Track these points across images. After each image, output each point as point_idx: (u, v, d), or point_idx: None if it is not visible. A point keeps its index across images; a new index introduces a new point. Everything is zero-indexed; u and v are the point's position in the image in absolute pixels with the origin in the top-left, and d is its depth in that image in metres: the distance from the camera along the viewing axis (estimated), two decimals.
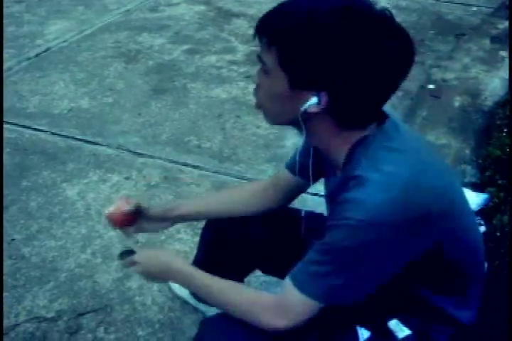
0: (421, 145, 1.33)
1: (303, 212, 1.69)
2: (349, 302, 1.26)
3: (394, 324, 1.40)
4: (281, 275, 1.92)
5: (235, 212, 1.78)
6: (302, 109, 1.20)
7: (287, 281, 1.29)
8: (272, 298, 1.33)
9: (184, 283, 1.55)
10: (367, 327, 1.42)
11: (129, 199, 1.75)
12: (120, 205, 1.73)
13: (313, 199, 2.64)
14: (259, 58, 1.24)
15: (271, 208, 1.76)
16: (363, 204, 1.15)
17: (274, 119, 1.35)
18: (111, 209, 1.74)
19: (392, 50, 1.15)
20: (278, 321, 1.30)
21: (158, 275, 1.59)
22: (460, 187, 1.40)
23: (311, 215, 1.72)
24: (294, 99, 1.21)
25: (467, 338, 1.46)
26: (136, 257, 1.61)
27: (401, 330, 1.39)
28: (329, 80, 1.16)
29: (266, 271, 1.98)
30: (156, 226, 1.81)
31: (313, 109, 1.20)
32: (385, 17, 1.16)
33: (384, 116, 1.27)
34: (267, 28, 1.20)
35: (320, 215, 1.73)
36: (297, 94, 1.20)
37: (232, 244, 1.78)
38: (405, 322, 1.40)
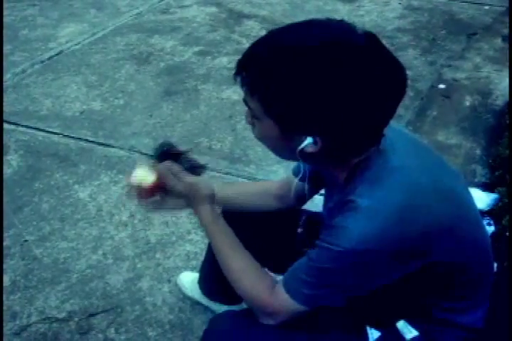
0: (421, 159, 1.30)
1: (303, 217, 1.69)
2: (334, 305, 1.30)
3: (402, 325, 1.41)
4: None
5: (248, 206, 1.78)
6: (299, 148, 1.19)
7: (280, 284, 1.32)
8: (271, 298, 1.34)
9: (208, 236, 1.50)
10: (376, 328, 1.42)
11: (151, 169, 1.53)
12: (144, 174, 1.51)
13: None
14: (245, 103, 1.22)
15: (282, 208, 1.77)
16: (348, 232, 1.16)
17: (278, 155, 1.33)
18: (135, 179, 1.51)
19: (383, 82, 1.12)
20: (267, 320, 1.36)
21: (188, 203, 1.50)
22: (466, 193, 1.37)
23: (312, 215, 1.72)
24: (289, 141, 1.20)
25: (477, 339, 1.45)
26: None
27: (409, 331, 1.40)
28: (319, 125, 1.14)
29: (274, 271, 1.99)
30: (174, 202, 1.58)
31: (310, 149, 1.19)
32: (371, 47, 1.11)
33: (379, 139, 1.24)
34: (245, 74, 1.17)
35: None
36: (290, 137, 1.19)
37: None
38: (413, 324, 1.41)
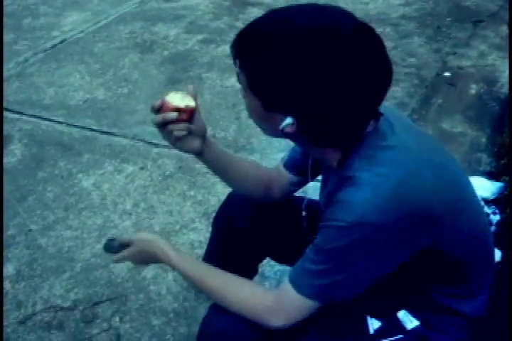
0: (419, 142, 1.30)
1: (305, 201, 1.67)
2: (345, 299, 1.27)
3: (402, 314, 1.40)
4: (293, 264, 1.92)
5: (240, 187, 1.76)
6: (280, 128, 1.21)
7: (285, 280, 1.30)
8: (270, 297, 1.33)
9: (181, 273, 1.51)
10: (377, 318, 1.42)
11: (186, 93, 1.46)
12: (182, 97, 1.43)
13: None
14: (238, 77, 1.25)
15: (271, 199, 1.75)
16: (351, 205, 1.16)
17: (263, 131, 1.34)
18: (172, 101, 1.42)
19: (363, 71, 1.13)
20: (276, 321, 1.32)
21: (149, 261, 1.62)
22: (466, 180, 1.37)
23: (313, 204, 1.71)
24: (272, 119, 1.22)
25: (478, 328, 1.45)
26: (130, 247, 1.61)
27: (410, 321, 1.39)
28: (295, 106, 1.16)
29: (277, 260, 1.99)
30: (192, 140, 1.49)
31: (289, 129, 1.20)
32: (357, 36, 1.12)
33: (378, 115, 1.25)
34: (237, 50, 1.22)
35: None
36: (272, 115, 1.21)
37: (243, 232, 1.78)
38: (413, 313, 1.40)
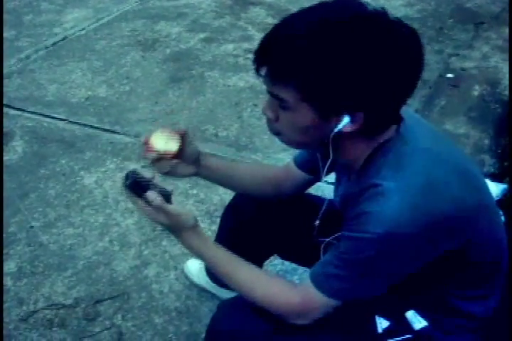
0: (441, 146, 1.29)
1: (323, 208, 1.65)
2: (365, 298, 1.28)
3: (411, 314, 1.40)
4: (300, 262, 1.91)
5: (248, 190, 1.76)
6: (335, 131, 1.18)
7: (308, 281, 1.30)
8: (296, 298, 1.31)
9: (204, 259, 1.45)
10: (386, 317, 1.41)
11: (174, 132, 1.48)
12: (165, 142, 1.46)
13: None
14: (272, 94, 1.20)
15: (280, 198, 1.75)
16: (380, 217, 1.14)
17: (297, 146, 1.34)
18: (159, 147, 1.45)
19: (408, 56, 1.13)
20: (301, 321, 1.33)
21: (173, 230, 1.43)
22: (485, 182, 1.37)
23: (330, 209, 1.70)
24: (324, 126, 1.19)
25: (486, 329, 1.44)
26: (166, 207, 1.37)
27: (418, 321, 1.39)
28: (361, 101, 1.13)
29: (284, 257, 1.98)
30: (183, 168, 1.58)
31: (348, 128, 1.18)
32: (383, 16, 1.12)
33: (400, 118, 1.25)
34: (273, 62, 1.16)
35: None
36: (327, 121, 1.18)
37: (251, 228, 1.78)
38: (422, 313, 1.40)
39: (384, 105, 1.15)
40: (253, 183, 1.72)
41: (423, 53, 1.16)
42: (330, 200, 1.62)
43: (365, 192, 1.19)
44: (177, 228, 1.39)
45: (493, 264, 1.35)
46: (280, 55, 1.13)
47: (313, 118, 1.17)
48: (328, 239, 1.36)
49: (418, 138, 1.24)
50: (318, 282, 1.28)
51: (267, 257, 2.02)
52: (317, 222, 1.54)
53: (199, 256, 1.43)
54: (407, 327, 1.39)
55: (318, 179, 1.59)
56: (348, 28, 1.09)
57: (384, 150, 1.22)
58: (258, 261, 1.97)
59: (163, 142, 1.45)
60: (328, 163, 1.29)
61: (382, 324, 1.41)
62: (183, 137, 1.50)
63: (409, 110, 1.27)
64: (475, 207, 1.22)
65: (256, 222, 1.77)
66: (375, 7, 1.13)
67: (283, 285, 1.37)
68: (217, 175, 1.67)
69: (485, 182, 1.36)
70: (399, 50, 1.11)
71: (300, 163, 1.66)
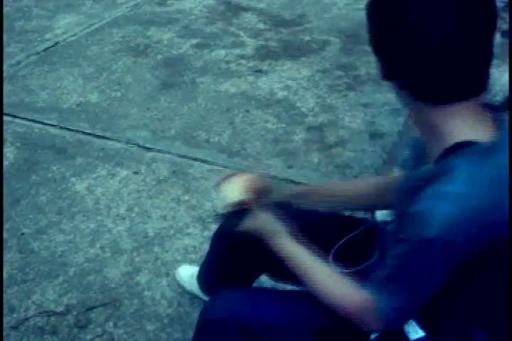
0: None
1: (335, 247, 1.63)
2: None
3: (409, 324, 1.39)
4: (289, 281, 1.90)
5: (352, 204, 1.76)
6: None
7: (370, 290, 1.29)
8: (361, 304, 1.31)
9: (285, 257, 1.47)
10: None
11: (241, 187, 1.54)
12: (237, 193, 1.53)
13: None
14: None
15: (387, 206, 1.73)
16: (433, 219, 1.13)
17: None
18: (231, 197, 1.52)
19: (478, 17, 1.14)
20: (365, 326, 1.34)
21: (262, 232, 1.50)
22: None
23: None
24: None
25: None
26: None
27: (415, 332, 1.37)
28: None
29: (274, 277, 1.97)
30: (251, 223, 1.57)
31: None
32: None
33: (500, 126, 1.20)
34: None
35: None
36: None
37: (243, 248, 1.77)
38: (422, 324, 1.38)
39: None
40: (368, 197, 1.71)
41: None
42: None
43: (425, 187, 1.17)
44: (269, 232, 1.47)
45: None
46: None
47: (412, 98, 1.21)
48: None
49: (504, 153, 1.17)
50: (375, 290, 1.28)
51: (257, 276, 2.01)
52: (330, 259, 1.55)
53: (287, 259, 1.45)
54: (401, 336, 1.39)
55: None
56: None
57: (466, 150, 1.15)
58: (248, 280, 1.97)
59: (235, 194, 1.51)
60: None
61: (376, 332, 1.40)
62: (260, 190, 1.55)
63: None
64: None
65: (247, 242, 1.76)
66: None
67: (351, 289, 1.36)
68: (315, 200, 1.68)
69: None
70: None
71: (402, 163, 1.61)
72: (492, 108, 1.24)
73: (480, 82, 1.19)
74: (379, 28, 1.17)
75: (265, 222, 1.49)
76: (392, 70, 1.19)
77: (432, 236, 1.13)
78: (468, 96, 1.17)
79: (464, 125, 1.18)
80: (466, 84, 1.17)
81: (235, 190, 1.52)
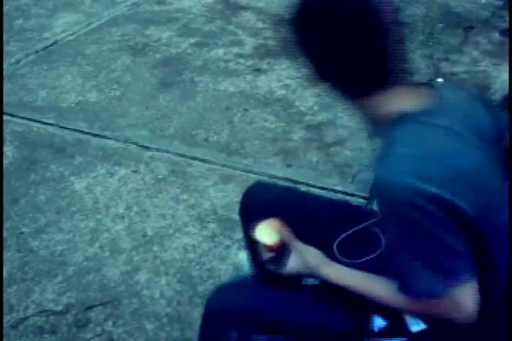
0: (466, 127, 1.31)
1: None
2: (469, 278, 1.25)
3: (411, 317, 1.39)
4: None
5: None
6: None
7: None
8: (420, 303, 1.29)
9: (336, 278, 1.45)
10: (383, 317, 1.42)
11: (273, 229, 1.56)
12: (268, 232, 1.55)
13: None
14: None
15: None
16: (393, 185, 1.18)
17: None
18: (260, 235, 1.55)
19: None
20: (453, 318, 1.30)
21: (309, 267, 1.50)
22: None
23: None
24: None
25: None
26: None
27: (416, 324, 1.38)
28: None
29: None
30: (292, 264, 1.56)
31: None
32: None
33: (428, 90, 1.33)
34: None
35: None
36: None
37: None
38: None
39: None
40: None
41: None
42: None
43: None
44: (313, 267, 1.47)
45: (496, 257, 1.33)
46: None
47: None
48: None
49: (443, 116, 1.29)
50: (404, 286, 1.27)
51: None
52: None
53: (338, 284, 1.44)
54: (403, 328, 1.39)
55: None
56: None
57: (402, 120, 1.27)
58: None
59: (265, 232, 1.54)
60: None
61: (378, 323, 1.41)
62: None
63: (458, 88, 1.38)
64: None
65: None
66: None
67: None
68: None
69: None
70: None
71: None
72: (421, 85, 1.37)
73: (401, 69, 1.32)
74: (306, 36, 1.31)
75: (313, 256, 1.48)
76: (322, 73, 1.33)
77: (401, 200, 1.17)
78: (392, 82, 1.30)
79: (398, 103, 1.29)
80: (388, 73, 1.30)
81: (269, 233, 1.54)
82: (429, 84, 1.41)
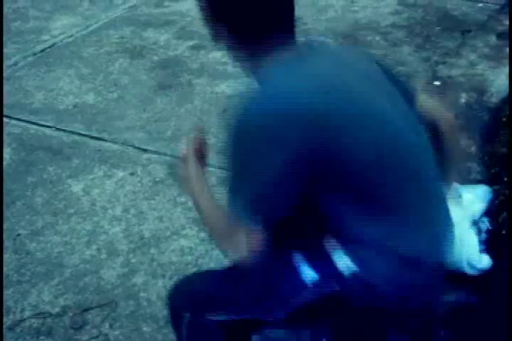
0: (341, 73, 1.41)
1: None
2: (279, 214, 1.36)
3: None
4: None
5: None
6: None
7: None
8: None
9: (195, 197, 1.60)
10: (313, 268, 1.43)
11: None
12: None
13: None
14: None
15: None
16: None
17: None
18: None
19: None
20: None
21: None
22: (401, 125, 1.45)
23: None
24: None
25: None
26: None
27: (346, 266, 1.38)
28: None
29: None
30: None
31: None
32: None
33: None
34: None
35: None
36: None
37: None
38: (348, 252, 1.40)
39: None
40: None
41: None
42: None
43: None
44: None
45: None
46: None
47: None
48: None
49: (318, 63, 1.41)
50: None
51: None
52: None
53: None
54: (337, 276, 1.40)
55: None
56: None
57: (273, 66, 1.38)
58: None
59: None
60: None
61: (309, 276, 1.42)
62: None
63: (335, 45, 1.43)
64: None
65: None
66: None
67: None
68: None
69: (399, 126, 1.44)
70: None
71: None
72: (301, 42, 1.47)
73: (283, 17, 1.43)
74: None
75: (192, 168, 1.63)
76: (221, 12, 1.43)
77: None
78: (273, 29, 1.40)
79: (280, 51, 1.40)
80: (272, 18, 1.40)
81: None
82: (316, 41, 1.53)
